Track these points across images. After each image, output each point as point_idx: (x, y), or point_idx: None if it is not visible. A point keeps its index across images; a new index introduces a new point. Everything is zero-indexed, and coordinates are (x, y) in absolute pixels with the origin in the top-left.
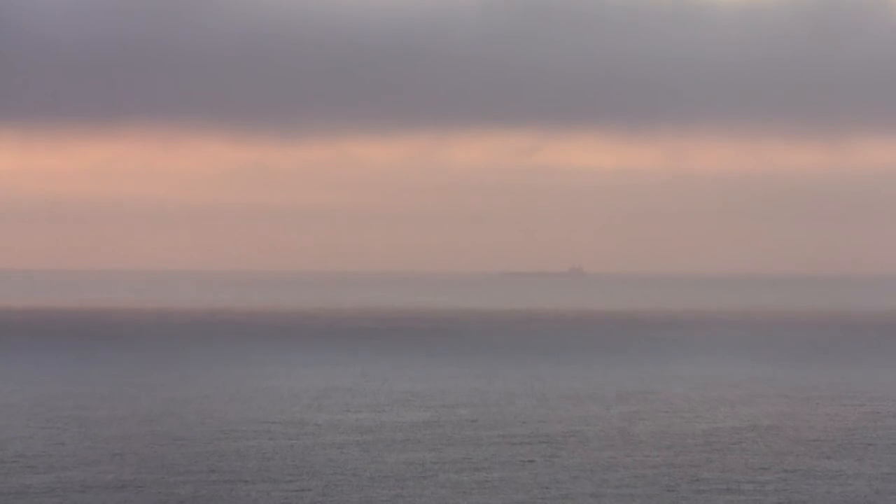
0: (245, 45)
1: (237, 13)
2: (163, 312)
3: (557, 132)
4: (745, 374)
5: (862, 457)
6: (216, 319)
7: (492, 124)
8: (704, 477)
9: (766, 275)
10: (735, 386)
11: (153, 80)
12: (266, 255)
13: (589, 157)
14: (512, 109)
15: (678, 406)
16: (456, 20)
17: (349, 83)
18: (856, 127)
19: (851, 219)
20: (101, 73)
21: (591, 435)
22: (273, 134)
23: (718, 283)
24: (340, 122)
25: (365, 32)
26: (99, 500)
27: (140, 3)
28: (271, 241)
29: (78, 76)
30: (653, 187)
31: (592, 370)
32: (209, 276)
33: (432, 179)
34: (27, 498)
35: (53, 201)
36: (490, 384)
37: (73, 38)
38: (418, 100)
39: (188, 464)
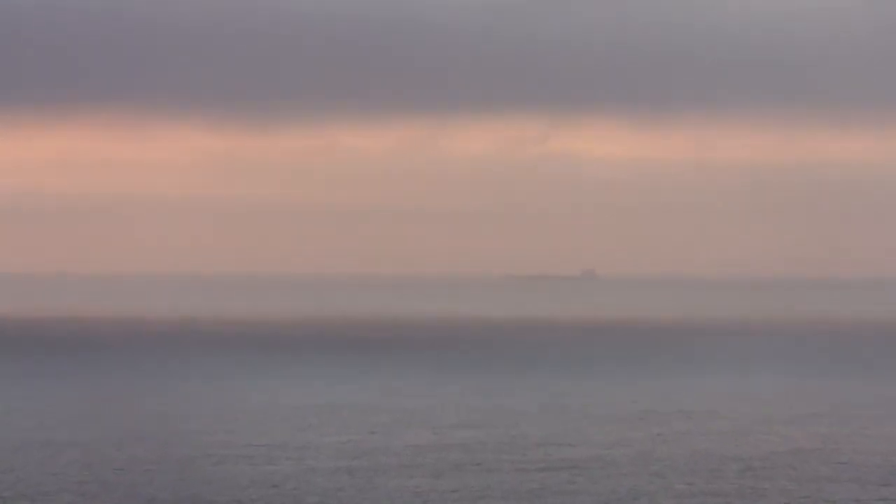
0: (221, 21)
1: None
2: (130, 321)
3: (571, 118)
4: (781, 389)
5: None
6: (190, 329)
7: (497, 110)
8: None
9: (804, 278)
10: (771, 403)
11: (117, 61)
12: (246, 256)
13: (605, 145)
14: (520, 92)
15: (708, 426)
16: None
17: (338, 63)
18: None
19: None
20: (58, 53)
21: (611, 460)
22: (253, 121)
23: (749, 286)
24: (328, 107)
25: (354, 6)
26: None
27: None
28: (251, 240)
29: (32, 56)
30: (676, 179)
31: (610, 386)
32: (182, 280)
33: (429, 171)
34: None
35: (6, 195)
36: (495, 402)
37: (27, 13)
38: (414, 82)
39: (157, 492)
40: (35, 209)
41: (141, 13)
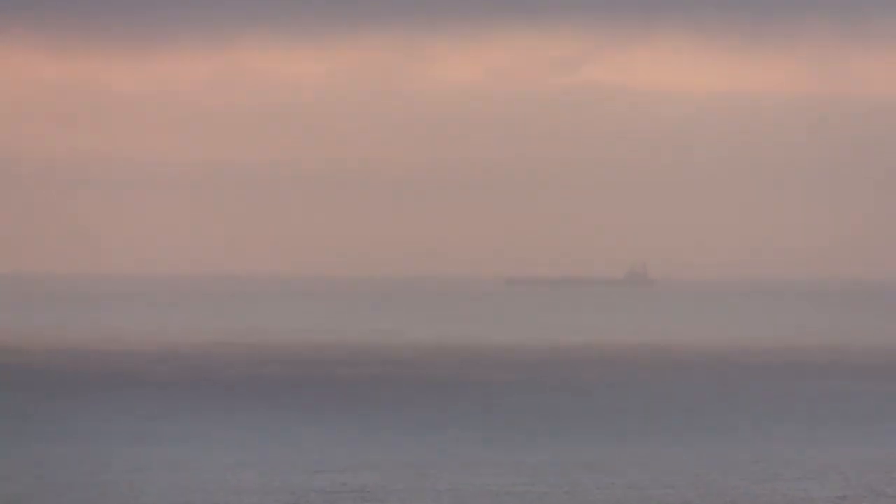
0: None
1: None
2: None
3: (617, 34)
4: None
5: None
6: (59, 359)
7: (501, 19)
8: None
9: None
10: None
11: None
12: (121, 248)
13: (671, 75)
14: None
15: None
16: None
17: None
18: None
19: None
20: None
21: None
22: (118, 37)
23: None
24: (232, 16)
25: None
26: None
27: None
28: (128, 222)
29: None
30: (784, 126)
31: (700, 452)
32: (28, 284)
33: (397, 115)
34: None
35: None
36: (552, 483)
37: None
38: None
39: None
40: None
41: None
